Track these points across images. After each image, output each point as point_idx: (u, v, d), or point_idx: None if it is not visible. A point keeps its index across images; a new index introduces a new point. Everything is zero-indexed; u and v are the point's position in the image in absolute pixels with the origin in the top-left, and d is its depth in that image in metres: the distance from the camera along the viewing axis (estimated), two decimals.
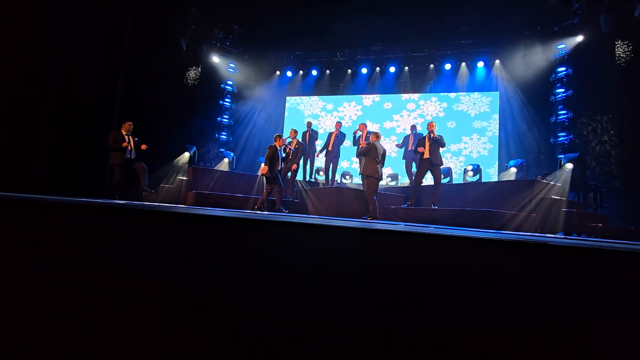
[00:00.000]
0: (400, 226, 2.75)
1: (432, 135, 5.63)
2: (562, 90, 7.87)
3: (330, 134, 7.52)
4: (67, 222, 1.75)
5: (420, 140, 5.87)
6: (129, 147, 5.69)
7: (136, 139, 5.83)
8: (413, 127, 7.85)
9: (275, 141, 5.67)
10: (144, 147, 5.77)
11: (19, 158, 5.73)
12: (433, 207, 5.44)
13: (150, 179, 6.98)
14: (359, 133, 6.99)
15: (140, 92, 7.46)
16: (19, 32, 5.64)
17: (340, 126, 7.55)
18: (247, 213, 3.25)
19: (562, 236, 4.04)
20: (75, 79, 6.32)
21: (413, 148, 7.54)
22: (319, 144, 7.93)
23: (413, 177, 7.93)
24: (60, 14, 6.09)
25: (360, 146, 5.93)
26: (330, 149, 7.38)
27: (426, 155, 5.63)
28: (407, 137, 7.78)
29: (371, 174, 5.32)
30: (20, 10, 5.66)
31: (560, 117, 7.83)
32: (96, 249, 1.60)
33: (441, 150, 5.74)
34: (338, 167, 7.69)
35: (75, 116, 6.33)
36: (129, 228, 1.66)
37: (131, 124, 5.78)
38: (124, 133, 5.69)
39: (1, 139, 5.53)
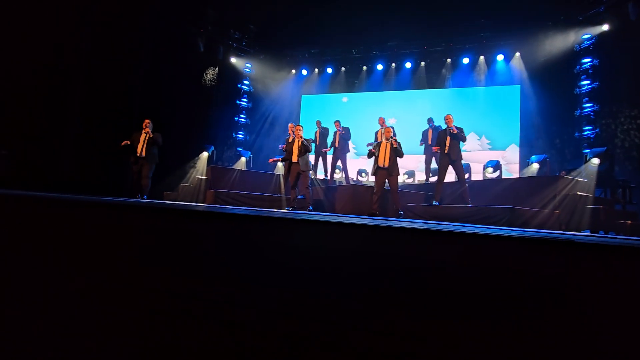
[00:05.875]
0: (418, 224, 2.72)
1: (450, 129, 5.49)
2: (588, 82, 7.55)
3: (334, 133, 7.68)
4: (84, 221, 1.82)
5: (440, 134, 5.71)
6: (142, 141, 5.66)
7: (150, 136, 5.73)
8: (430, 121, 7.71)
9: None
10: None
11: (46, 155, 5.95)
12: (467, 205, 5.30)
13: (169, 178, 7.12)
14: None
15: (159, 94, 7.65)
16: (50, 34, 5.85)
17: (340, 124, 7.61)
18: (262, 211, 3.29)
19: (589, 234, 3.90)
20: (97, 81, 6.53)
21: (432, 142, 7.43)
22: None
23: (431, 174, 7.83)
24: (82, 20, 6.30)
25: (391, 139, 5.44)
26: (337, 146, 7.55)
27: (445, 150, 5.51)
28: (425, 132, 7.69)
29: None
30: (46, 17, 5.89)
31: (586, 110, 7.52)
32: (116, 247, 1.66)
33: (462, 144, 5.60)
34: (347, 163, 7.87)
35: (97, 118, 6.54)
36: (154, 225, 1.71)
37: (148, 122, 5.79)
38: (142, 132, 5.74)
39: (29, 137, 5.78)
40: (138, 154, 5.69)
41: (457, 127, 5.55)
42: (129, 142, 5.68)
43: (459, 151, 5.57)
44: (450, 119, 5.61)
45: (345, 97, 10.63)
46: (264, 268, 1.38)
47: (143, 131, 5.74)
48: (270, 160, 6.63)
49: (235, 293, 1.34)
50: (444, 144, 5.56)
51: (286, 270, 1.35)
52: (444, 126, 5.83)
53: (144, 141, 5.71)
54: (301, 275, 1.32)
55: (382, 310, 1.15)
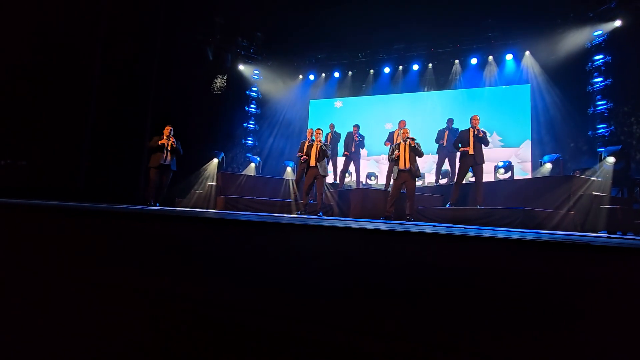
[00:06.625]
0: (429, 227, 2.69)
1: (476, 131, 5.36)
2: (601, 79, 7.41)
3: (347, 135, 7.65)
4: (99, 229, 1.85)
5: (462, 134, 5.55)
6: (166, 148, 5.67)
7: (174, 145, 5.75)
8: (450, 121, 7.59)
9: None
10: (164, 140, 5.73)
11: (62, 165, 6.07)
12: (478, 207, 5.21)
13: (181, 185, 7.21)
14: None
15: (170, 102, 7.78)
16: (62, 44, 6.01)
17: (358, 129, 7.60)
18: (270, 217, 3.30)
19: (605, 235, 3.81)
20: (108, 91, 6.66)
21: (447, 143, 7.34)
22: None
23: (441, 176, 7.75)
24: (95, 32, 6.45)
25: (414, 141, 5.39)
26: (353, 149, 7.52)
27: (470, 151, 5.39)
28: (441, 131, 7.59)
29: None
30: (59, 30, 6.06)
31: (599, 107, 7.37)
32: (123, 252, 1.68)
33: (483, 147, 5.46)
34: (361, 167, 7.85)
35: (110, 126, 6.66)
36: (161, 232, 1.74)
37: (171, 129, 5.82)
38: (165, 139, 5.79)
39: (44, 147, 5.91)
40: (162, 162, 5.68)
41: (482, 130, 5.44)
42: (164, 140, 5.68)
43: (482, 154, 5.41)
44: (477, 119, 5.46)
45: (339, 102, 10.66)
46: (267, 272, 1.39)
47: (168, 140, 5.74)
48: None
49: (238, 296, 1.35)
50: (467, 144, 5.44)
51: (289, 274, 1.35)
52: (463, 127, 5.72)
53: (167, 149, 5.71)
54: (304, 278, 1.32)
55: (382, 312, 1.15)
